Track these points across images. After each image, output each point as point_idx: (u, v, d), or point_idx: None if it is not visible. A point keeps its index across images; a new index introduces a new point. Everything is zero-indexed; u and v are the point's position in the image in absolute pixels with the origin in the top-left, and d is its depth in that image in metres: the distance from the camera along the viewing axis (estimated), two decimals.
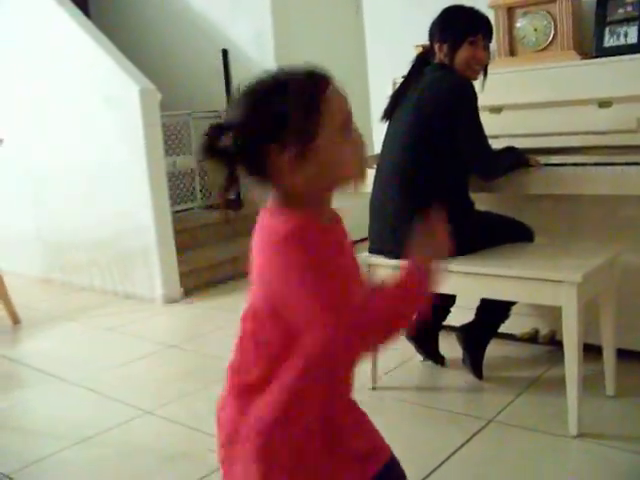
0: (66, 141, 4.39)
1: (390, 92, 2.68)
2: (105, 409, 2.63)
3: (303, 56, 4.65)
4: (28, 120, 4.64)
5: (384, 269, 2.39)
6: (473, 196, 2.50)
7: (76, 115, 4.28)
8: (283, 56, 4.82)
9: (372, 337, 1.02)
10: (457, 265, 2.23)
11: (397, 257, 2.19)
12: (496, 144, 2.56)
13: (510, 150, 2.50)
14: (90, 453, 2.29)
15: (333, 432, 1.09)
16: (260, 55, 4.84)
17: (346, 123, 1.04)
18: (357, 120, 1.09)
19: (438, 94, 2.38)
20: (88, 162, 4.27)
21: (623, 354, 2.44)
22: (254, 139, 1.03)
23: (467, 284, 2.27)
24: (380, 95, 3.15)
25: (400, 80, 2.60)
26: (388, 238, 2.38)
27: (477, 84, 2.46)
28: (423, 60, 2.52)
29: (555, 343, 2.65)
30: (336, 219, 1.13)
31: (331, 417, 1.10)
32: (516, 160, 2.48)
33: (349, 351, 1.02)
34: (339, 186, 1.08)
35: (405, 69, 2.57)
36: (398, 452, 1.46)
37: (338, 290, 0.99)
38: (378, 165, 2.58)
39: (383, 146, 2.57)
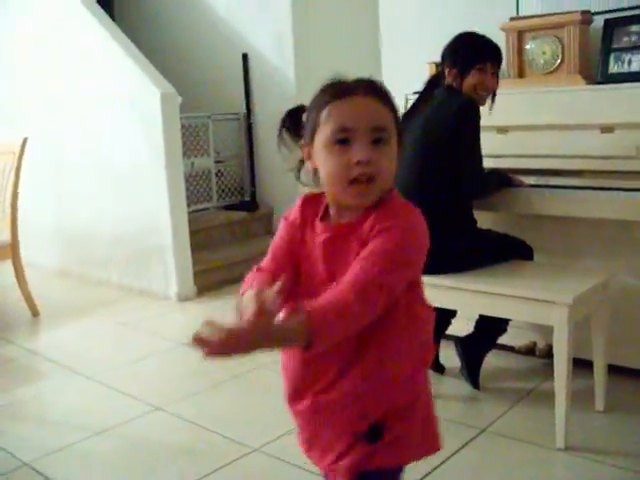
0: (92, 140, 4.53)
1: (401, 107, 2.76)
2: (118, 403, 2.76)
3: (322, 62, 4.72)
4: (56, 118, 4.78)
5: None
6: (475, 214, 2.60)
7: (102, 115, 4.42)
8: (302, 62, 4.92)
9: None
10: (456, 282, 2.35)
11: None
12: (501, 164, 2.67)
13: (495, 172, 2.62)
14: (105, 445, 2.43)
15: None
16: (280, 60, 4.95)
17: (334, 135, 1.14)
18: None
19: (445, 116, 2.48)
20: (111, 161, 4.41)
21: (614, 370, 2.53)
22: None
23: (464, 300, 2.38)
24: None
25: (411, 96, 2.68)
26: None
27: (485, 108, 2.55)
28: (434, 82, 2.62)
29: (552, 356, 2.73)
30: (334, 228, 1.20)
31: None
32: (500, 181, 2.60)
33: None
34: (334, 194, 1.19)
35: (417, 86, 2.66)
36: None
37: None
38: None
39: None
